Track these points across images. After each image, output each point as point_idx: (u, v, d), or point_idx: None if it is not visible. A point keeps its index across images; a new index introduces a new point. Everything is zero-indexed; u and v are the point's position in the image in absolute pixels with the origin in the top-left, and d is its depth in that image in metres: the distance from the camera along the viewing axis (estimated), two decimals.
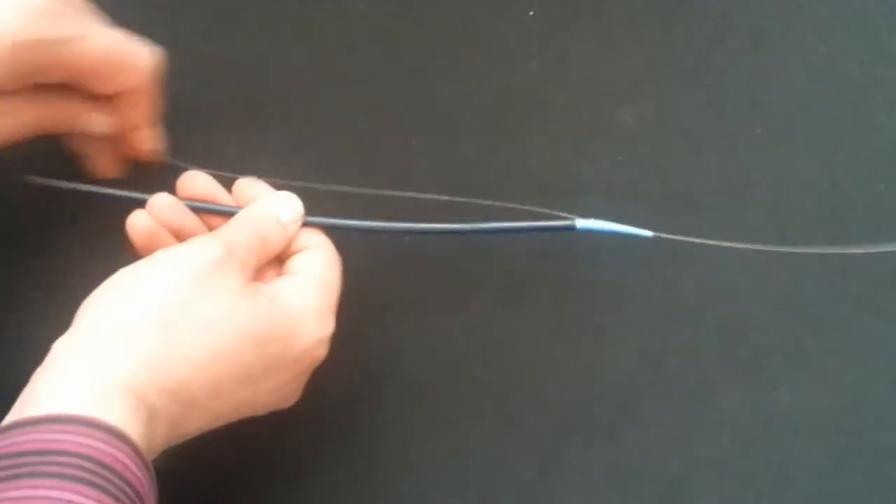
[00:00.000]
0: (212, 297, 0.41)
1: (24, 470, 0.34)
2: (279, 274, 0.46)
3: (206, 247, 0.43)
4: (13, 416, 0.36)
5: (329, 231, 0.47)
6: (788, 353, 0.50)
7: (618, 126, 0.52)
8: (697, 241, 0.48)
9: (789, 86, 0.52)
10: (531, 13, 0.53)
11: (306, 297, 0.44)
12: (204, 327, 0.40)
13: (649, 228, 0.48)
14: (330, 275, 0.45)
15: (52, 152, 0.49)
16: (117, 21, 0.46)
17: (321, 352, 0.44)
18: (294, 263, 0.45)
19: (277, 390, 0.43)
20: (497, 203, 0.48)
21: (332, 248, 0.46)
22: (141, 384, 0.38)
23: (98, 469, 0.34)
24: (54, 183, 0.48)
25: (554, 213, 0.47)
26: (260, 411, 0.44)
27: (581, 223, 0.47)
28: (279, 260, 0.46)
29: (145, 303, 0.40)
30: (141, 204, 0.45)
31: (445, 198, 0.48)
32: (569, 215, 0.47)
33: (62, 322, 0.40)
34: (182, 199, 0.46)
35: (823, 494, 0.48)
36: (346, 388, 0.49)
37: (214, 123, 0.53)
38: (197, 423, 0.41)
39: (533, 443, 0.49)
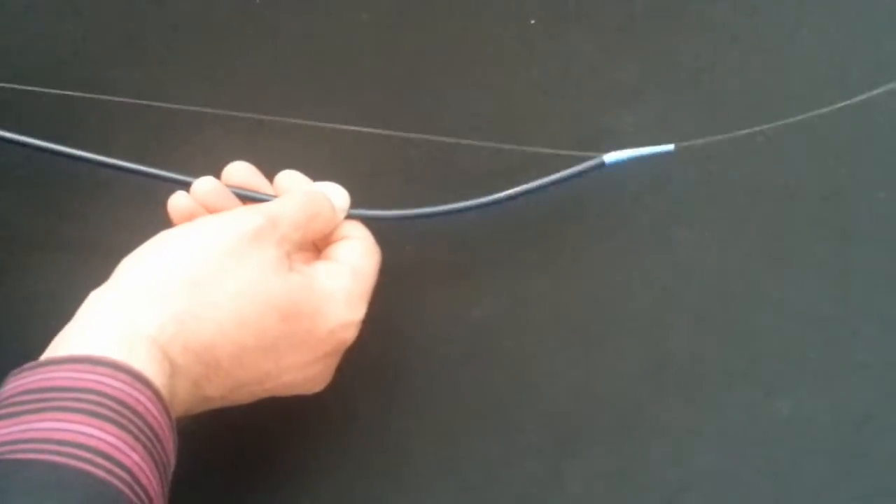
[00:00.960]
0: (245, 265, 0.42)
1: (49, 404, 0.35)
2: (317, 259, 0.47)
3: (248, 216, 0.44)
4: (43, 356, 0.38)
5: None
6: (788, 362, 0.49)
7: (618, 133, 0.52)
8: (719, 137, 0.47)
9: (790, 94, 0.52)
10: (532, 21, 0.53)
11: (337, 279, 0.44)
12: (233, 294, 0.41)
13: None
14: (365, 263, 0.46)
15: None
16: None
17: (349, 335, 0.45)
18: (332, 251, 0.46)
19: (303, 369, 0.44)
20: (524, 147, 0.49)
21: (371, 238, 0.47)
22: (166, 339, 0.39)
23: (119, 408, 0.36)
24: (102, 159, 0.48)
25: (580, 153, 0.47)
26: (285, 391, 0.44)
27: (609, 157, 0.47)
28: (317, 248, 0.47)
29: (180, 262, 0.41)
30: (185, 186, 0.46)
31: (474, 143, 0.49)
32: (594, 154, 0.47)
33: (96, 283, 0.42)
34: (225, 182, 0.46)
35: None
36: (345, 394, 0.49)
37: (215, 132, 0.53)
38: (219, 389, 0.41)
39: (533, 451, 0.49)
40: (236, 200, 0.46)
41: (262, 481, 0.49)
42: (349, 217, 0.47)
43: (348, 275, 0.45)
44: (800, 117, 0.48)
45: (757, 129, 0.47)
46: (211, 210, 0.46)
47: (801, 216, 0.51)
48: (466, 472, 0.49)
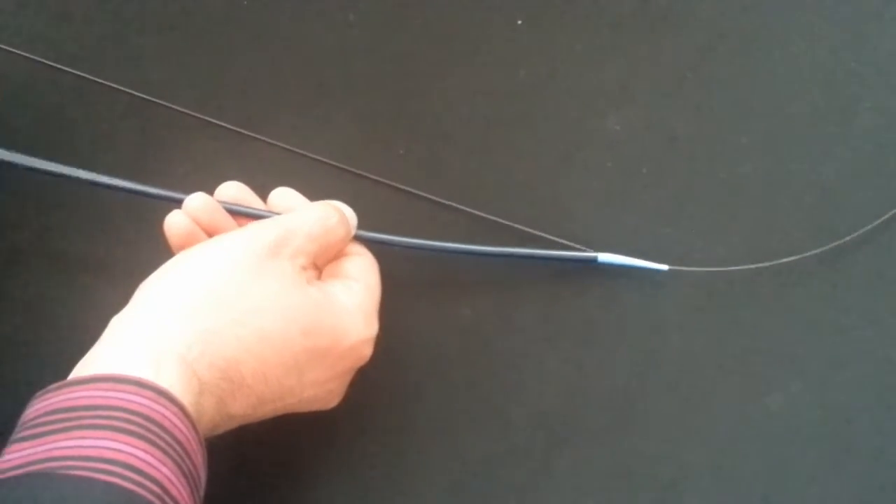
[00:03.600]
0: (263, 280, 0.42)
1: (75, 423, 0.35)
2: (320, 277, 0.46)
3: (262, 231, 0.44)
4: (69, 378, 0.38)
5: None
6: (779, 358, 0.50)
7: (606, 133, 0.52)
8: (713, 269, 0.50)
9: (777, 92, 0.52)
10: (519, 22, 0.53)
11: (354, 296, 0.45)
12: (254, 309, 0.41)
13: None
14: (372, 279, 0.46)
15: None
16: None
17: (366, 351, 0.45)
18: (341, 268, 0.46)
19: (322, 385, 0.44)
20: (518, 226, 0.50)
21: (370, 255, 0.47)
22: (194, 357, 0.39)
23: (146, 423, 0.36)
24: (91, 176, 0.48)
25: (575, 245, 0.50)
26: (304, 407, 0.44)
27: (603, 257, 0.49)
28: (317, 267, 0.47)
29: (199, 281, 0.42)
30: (177, 203, 0.46)
31: (470, 210, 0.50)
32: (587, 249, 0.50)
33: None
34: (219, 202, 0.46)
35: (815, 499, 0.48)
36: None
37: (202, 136, 0.53)
38: (243, 406, 0.41)
39: (525, 449, 0.49)
40: (228, 216, 0.46)
41: (252, 482, 0.49)
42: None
43: (363, 291, 0.45)
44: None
45: (754, 265, 0.49)
46: (204, 227, 0.45)
47: (791, 218, 0.51)
48: (457, 471, 0.49)
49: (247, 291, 0.41)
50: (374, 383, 0.49)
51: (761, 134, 0.52)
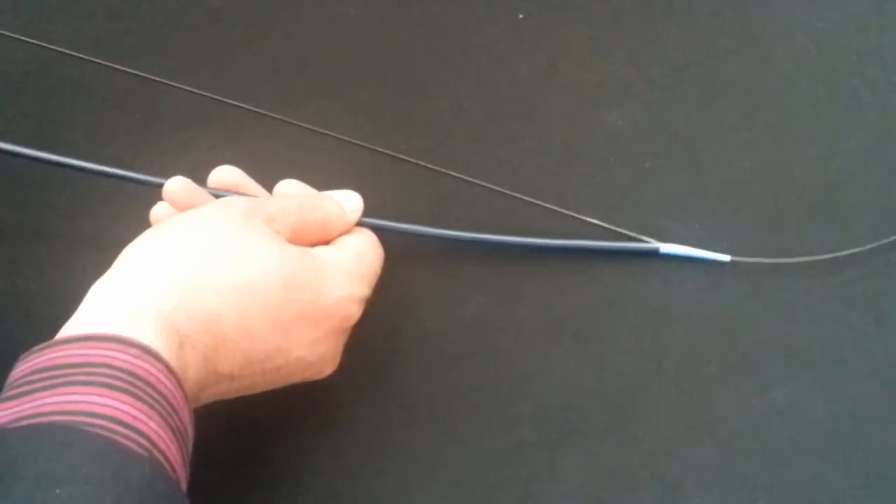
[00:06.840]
0: (239, 237, 0.42)
1: (60, 380, 0.35)
2: None
3: (234, 199, 0.45)
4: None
5: None
6: (782, 354, 0.49)
7: (608, 128, 0.52)
8: (775, 260, 0.50)
9: (780, 86, 0.52)
10: (521, 16, 0.53)
11: (340, 257, 0.45)
12: (233, 260, 0.41)
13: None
14: (369, 252, 0.47)
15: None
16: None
17: (353, 310, 0.45)
18: (336, 241, 0.47)
19: (311, 346, 0.43)
20: (574, 214, 0.49)
21: (372, 234, 0.48)
22: (170, 309, 0.39)
23: (131, 379, 0.36)
24: (72, 161, 0.48)
25: (636, 235, 0.49)
26: (298, 371, 0.44)
27: (665, 248, 0.49)
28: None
29: (175, 242, 0.42)
30: (159, 187, 0.46)
31: (519, 196, 0.50)
32: (649, 239, 0.49)
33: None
34: (210, 187, 0.47)
35: (818, 496, 0.48)
36: (341, 390, 0.48)
37: (200, 128, 0.52)
38: (230, 363, 0.41)
39: (527, 446, 0.49)
40: (210, 198, 0.46)
41: (256, 478, 0.49)
42: (361, 224, 0.48)
43: (352, 256, 0.45)
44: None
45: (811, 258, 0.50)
46: (183, 209, 0.46)
47: (791, 209, 0.51)
48: (461, 468, 0.49)
49: (224, 244, 0.42)
50: (374, 381, 0.49)
51: (763, 129, 0.52)
